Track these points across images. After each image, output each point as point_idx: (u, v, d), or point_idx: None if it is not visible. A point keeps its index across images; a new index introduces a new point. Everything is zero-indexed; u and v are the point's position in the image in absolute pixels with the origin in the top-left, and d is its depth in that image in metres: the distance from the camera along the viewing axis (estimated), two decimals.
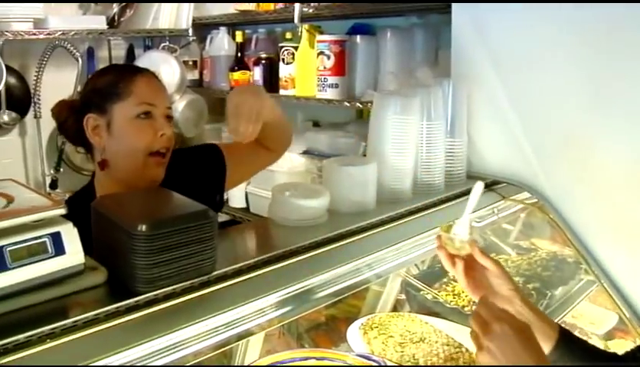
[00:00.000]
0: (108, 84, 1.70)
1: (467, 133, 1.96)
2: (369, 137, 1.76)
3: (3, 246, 0.98)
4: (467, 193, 1.86)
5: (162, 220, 1.10)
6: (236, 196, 3.27)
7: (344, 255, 1.41)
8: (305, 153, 2.93)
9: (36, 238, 1.02)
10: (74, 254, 1.06)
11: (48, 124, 3.29)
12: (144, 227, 1.06)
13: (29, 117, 3.28)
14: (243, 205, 3.25)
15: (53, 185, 3.29)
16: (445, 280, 1.93)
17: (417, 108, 1.72)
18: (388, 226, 1.59)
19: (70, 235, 1.06)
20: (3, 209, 1.03)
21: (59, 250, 1.04)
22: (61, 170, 3.29)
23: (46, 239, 1.03)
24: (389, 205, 1.68)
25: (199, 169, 1.88)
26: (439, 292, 1.84)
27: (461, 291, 1.83)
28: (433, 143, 1.80)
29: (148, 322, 1.07)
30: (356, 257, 1.41)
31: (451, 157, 1.91)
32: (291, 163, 2.95)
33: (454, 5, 2.01)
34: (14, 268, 0.99)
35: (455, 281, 1.89)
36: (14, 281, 1.00)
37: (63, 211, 1.04)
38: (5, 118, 3.12)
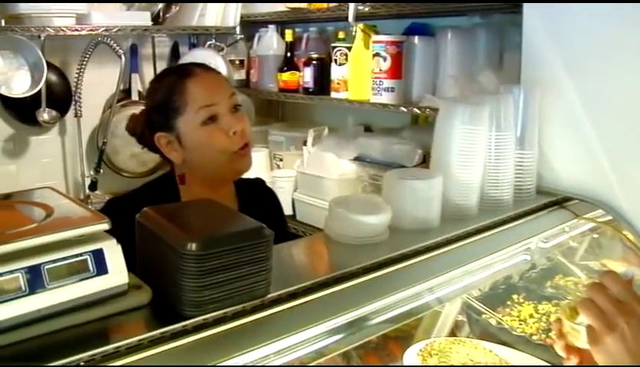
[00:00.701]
0: (163, 99, 1.73)
1: (537, 144, 1.87)
2: (433, 147, 1.69)
3: (41, 264, 0.92)
4: (537, 209, 1.83)
5: (214, 238, 1.03)
6: (282, 203, 3.22)
7: (406, 278, 1.34)
8: (356, 159, 2.89)
9: (76, 256, 0.96)
10: (117, 273, 1.01)
11: (89, 123, 3.35)
12: (194, 246, 1.00)
13: (69, 115, 3.30)
14: (289, 212, 3.20)
15: (93, 186, 3.30)
16: (509, 303, 1.84)
17: (486, 118, 1.65)
18: (453, 246, 1.52)
19: (114, 252, 1.00)
20: (42, 222, 0.98)
21: (101, 269, 0.98)
22: (101, 171, 3.30)
23: (87, 257, 0.97)
24: (454, 222, 1.61)
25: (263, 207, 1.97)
26: (502, 316, 1.76)
27: (528, 316, 1.74)
28: (502, 155, 1.72)
29: (196, 348, 1.01)
30: (420, 280, 1.34)
31: (520, 171, 1.82)
32: (341, 169, 2.92)
33: (525, 5, 1.93)
34: (52, 288, 0.94)
35: (521, 305, 1.81)
36: (52, 302, 0.94)
37: (106, 226, 0.99)
38: (45, 116, 3.12)
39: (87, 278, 0.97)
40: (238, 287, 1.06)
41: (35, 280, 0.92)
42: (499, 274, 1.70)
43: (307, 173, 3.08)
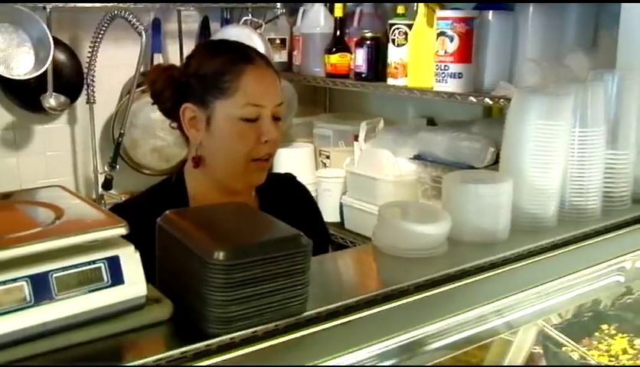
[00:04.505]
0: (212, 73, 1.82)
1: (635, 144, 1.87)
2: (503, 146, 1.71)
3: (49, 272, 0.99)
4: (631, 222, 1.82)
5: (244, 247, 1.09)
6: (327, 208, 3.27)
7: (467, 298, 1.37)
8: (417, 158, 2.93)
9: (89, 263, 1.02)
10: (135, 284, 1.07)
11: (103, 111, 3.43)
12: (221, 254, 1.05)
13: (80, 102, 3.39)
14: (336, 219, 3.29)
15: (107, 185, 3.37)
16: (597, 334, 1.84)
17: (569, 111, 1.66)
18: (524, 262, 1.54)
19: (131, 260, 1.06)
20: (50, 225, 1.05)
21: (116, 279, 1.05)
22: (117, 167, 3.37)
23: (101, 265, 1.04)
24: (526, 235, 1.63)
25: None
26: (588, 350, 1.77)
27: (620, 352, 1.75)
28: (588, 156, 1.73)
29: None
30: (482, 301, 1.36)
31: (611, 175, 1.82)
32: (398, 170, 2.97)
33: None
34: (60, 299, 1.00)
35: (612, 338, 1.82)
36: (61, 315, 1.00)
37: (123, 230, 1.05)
38: (52, 102, 3.19)
39: (101, 289, 1.03)
40: (270, 302, 1.11)
41: (42, 290, 0.98)
42: (582, 297, 1.70)
43: (358, 174, 3.12)
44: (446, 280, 1.39)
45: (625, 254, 1.69)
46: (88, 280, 1.02)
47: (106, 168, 3.38)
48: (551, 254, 1.60)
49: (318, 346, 1.16)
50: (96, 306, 1.03)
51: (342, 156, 3.32)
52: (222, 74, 1.79)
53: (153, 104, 1.92)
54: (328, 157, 3.47)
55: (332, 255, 1.55)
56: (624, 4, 1.93)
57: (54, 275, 0.99)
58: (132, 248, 1.07)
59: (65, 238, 1.00)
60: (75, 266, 1.01)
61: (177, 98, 1.84)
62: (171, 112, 1.89)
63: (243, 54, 1.86)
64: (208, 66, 1.83)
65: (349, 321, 1.22)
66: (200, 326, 1.09)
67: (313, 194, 3.13)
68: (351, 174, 3.19)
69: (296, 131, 3.65)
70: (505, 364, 1.80)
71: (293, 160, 3.42)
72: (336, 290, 1.34)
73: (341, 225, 3.26)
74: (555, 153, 1.66)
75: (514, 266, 1.52)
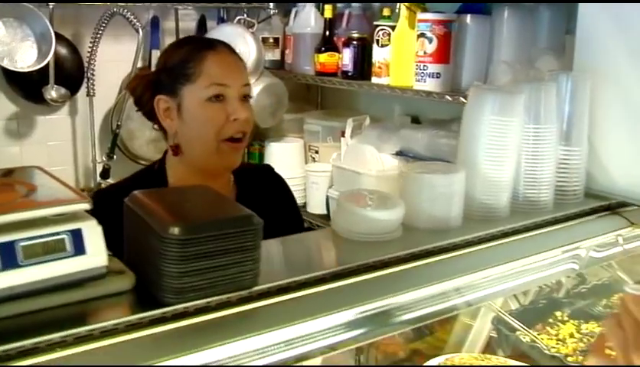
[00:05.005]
0: (178, 63, 1.90)
1: (588, 140, 1.94)
2: (460, 139, 1.77)
3: (15, 241, 1.06)
4: (582, 214, 1.88)
5: (198, 223, 1.17)
6: (314, 201, 3.35)
7: (414, 279, 1.42)
8: (399, 154, 2.97)
9: (53, 234, 1.10)
10: (96, 255, 1.14)
11: (102, 103, 3.48)
12: (176, 230, 1.12)
13: (81, 94, 3.45)
14: (322, 211, 3.33)
15: (105, 174, 3.42)
16: (550, 320, 1.90)
17: (521, 108, 1.73)
18: (475, 248, 1.60)
19: (93, 233, 1.13)
20: (22, 198, 1.12)
21: (79, 249, 1.12)
22: (115, 157, 3.43)
23: (65, 236, 1.11)
24: (478, 223, 1.69)
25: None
26: (539, 334, 1.82)
27: (567, 336, 1.80)
28: (541, 151, 1.80)
29: (174, 337, 1.12)
30: (427, 282, 1.41)
31: (565, 170, 1.90)
32: (381, 165, 2.98)
33: None
34: (26, 266, 1.07)
35: (563, 323, 1.87)
36: (25, 280, 1.07)
37: (87, 206, 1.12)
38: (54, 94, 3.25)
39: (64, 258, 1.11)
40: (222, 276, 1.18)
41: (8, 258, 1.05)
42: (533, 283, 1.76)
43: (343, 168, 3.14)
44: (395, 263, 1.45)
45: (574, 242, 1.73)
46: (52, 250, 1.10)
47: (104, 158, 3.44)
48: (501, 242, 1.66)
49: (268, 318, 1.21)
50: (59, 273, 1.11)
51: (330, 151, 3.34)
52: (186, 62, 1.87)
53: (137, 111, 2.01)
54: (316, 151, 3.50)
55: (291, 237, 1.60)
56: (581, 11, 1.99)
57: (21, 244, 1.06)
58: (94, 222, 1.14)
59: (31, 211, 1.08)
60: (40, 236, 1.08)
61: (153, 96, 1.92)
62: (152, 116, 1.97)
63: (205, 43, 1.95)
64: (174, 58, 1.92)
65: (299, 297, 1.28)
66: (157, 295, 1.16)
67: (302, 187, 3.23)
68: (336, 168, 3.21)
69: (287, 126, 3.69)
70: (464, 348, 1.86)
71: (284, 155, 3.48)
72: (289, 268, 1.42)
73: (327, 217, 3.28)
74: (508, 147, 1.72)
75: (464, 251, 1.58)
